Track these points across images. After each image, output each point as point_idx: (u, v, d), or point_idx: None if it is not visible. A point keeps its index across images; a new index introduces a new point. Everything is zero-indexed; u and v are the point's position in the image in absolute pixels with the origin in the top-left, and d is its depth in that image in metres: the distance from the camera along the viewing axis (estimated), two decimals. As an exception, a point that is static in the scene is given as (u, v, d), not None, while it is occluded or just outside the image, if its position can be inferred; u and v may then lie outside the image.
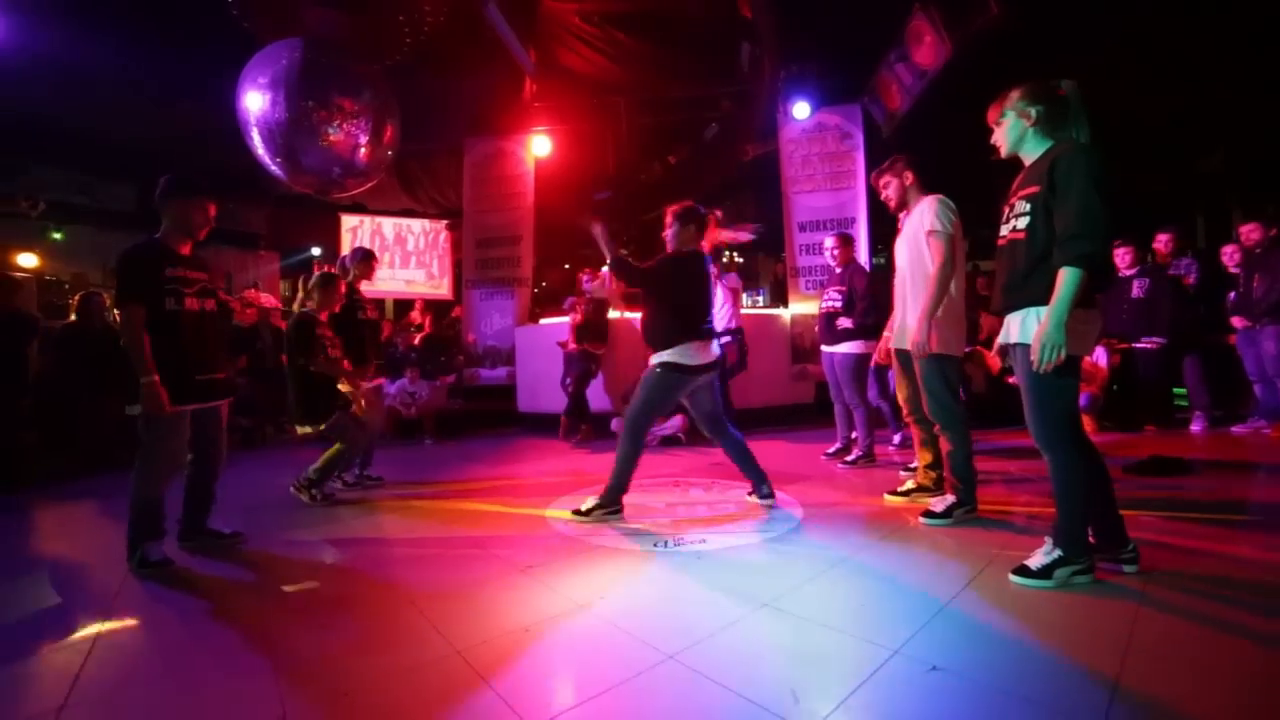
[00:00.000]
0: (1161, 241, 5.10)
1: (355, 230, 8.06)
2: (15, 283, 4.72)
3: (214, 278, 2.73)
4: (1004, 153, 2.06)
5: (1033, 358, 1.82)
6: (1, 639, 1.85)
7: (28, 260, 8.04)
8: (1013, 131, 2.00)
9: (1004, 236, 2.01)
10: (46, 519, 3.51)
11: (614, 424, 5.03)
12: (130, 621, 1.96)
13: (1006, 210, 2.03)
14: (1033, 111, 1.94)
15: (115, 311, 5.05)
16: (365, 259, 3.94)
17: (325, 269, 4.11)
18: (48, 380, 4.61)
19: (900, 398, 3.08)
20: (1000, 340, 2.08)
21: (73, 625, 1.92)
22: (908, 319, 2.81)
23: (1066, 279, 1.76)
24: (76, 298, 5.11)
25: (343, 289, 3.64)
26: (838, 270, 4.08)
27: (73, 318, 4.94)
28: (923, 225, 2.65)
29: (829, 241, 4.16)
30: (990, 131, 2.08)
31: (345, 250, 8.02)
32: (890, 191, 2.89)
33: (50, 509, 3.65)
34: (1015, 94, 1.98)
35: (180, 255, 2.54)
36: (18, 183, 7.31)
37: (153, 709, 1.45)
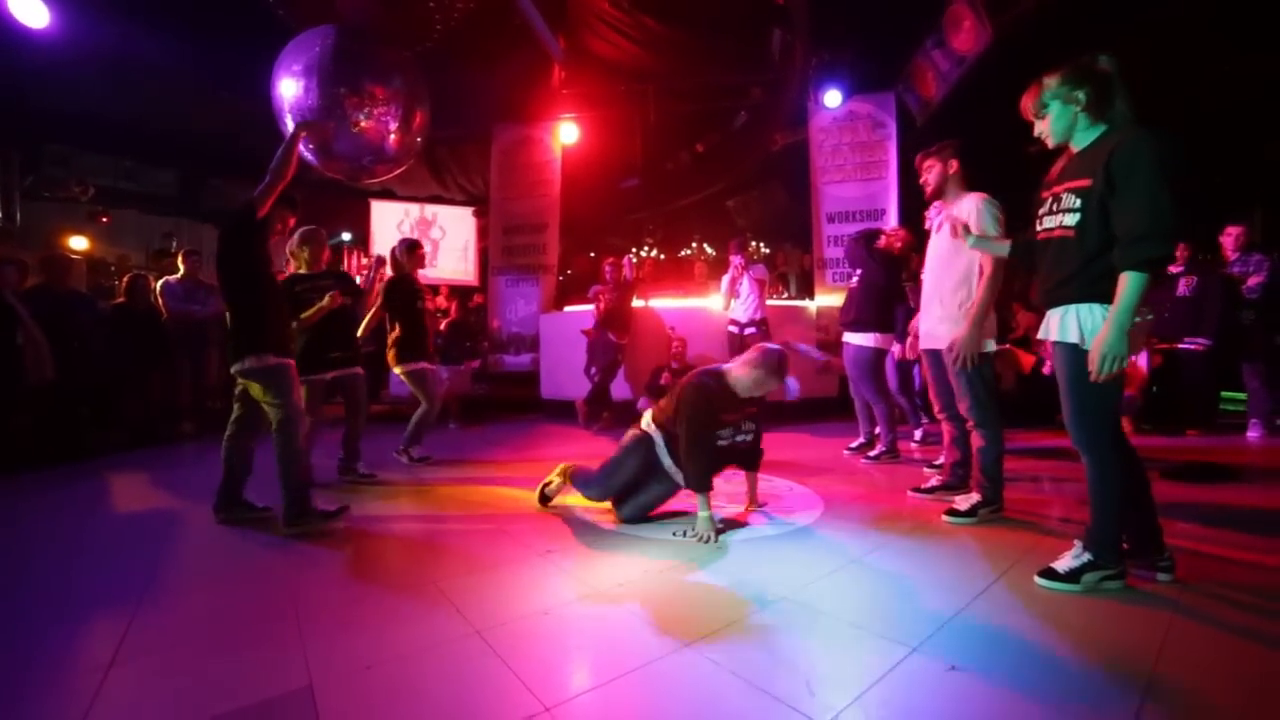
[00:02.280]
0: (1230, 236, 4.71)
1: (400, 224, 8.21)
2: (70, 262, 4.92)
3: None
4: (1053, 143, 1.90)
5: (1091, 367, 1.70)
6: (63, 597, 1.96)
7: (79, 243, 8.40)
8: (1061, 119, 1.83)
9: (1049, 230, 1.87)
10: (103, 490, 3.69)
11: (641, 403, 5.07)
12: (171, 588, 2.05)
13: (1049, 200, 1.89)
14: (1081, 95, 1.78)
15: (158, 291, 5.27)
16: (412, 249, 4.01)
17: (358, 253, 4.23)
18: (98, 358, 4.82)
19: (932, 394, 3.01)
20: (1041, 335, 1.99)
21: (122, 586, 2.02)
22: (937, 318, 2.74)
23: (1131, 284, 1.63)
24: (125, 279, 5.31)
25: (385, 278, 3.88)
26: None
27: (121, 298, 5.15)
28: (971, 226, 2.52)
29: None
30: (1026, 124, 1.95)
31: (374, 235, 8.23)
32: (931, 176, 2.76)
33: (104, 481, 3.83)
34: (1054, 80, 1.82)
35: None
36: (71, 168, 7.61)
37: (191, 669, 1.52)
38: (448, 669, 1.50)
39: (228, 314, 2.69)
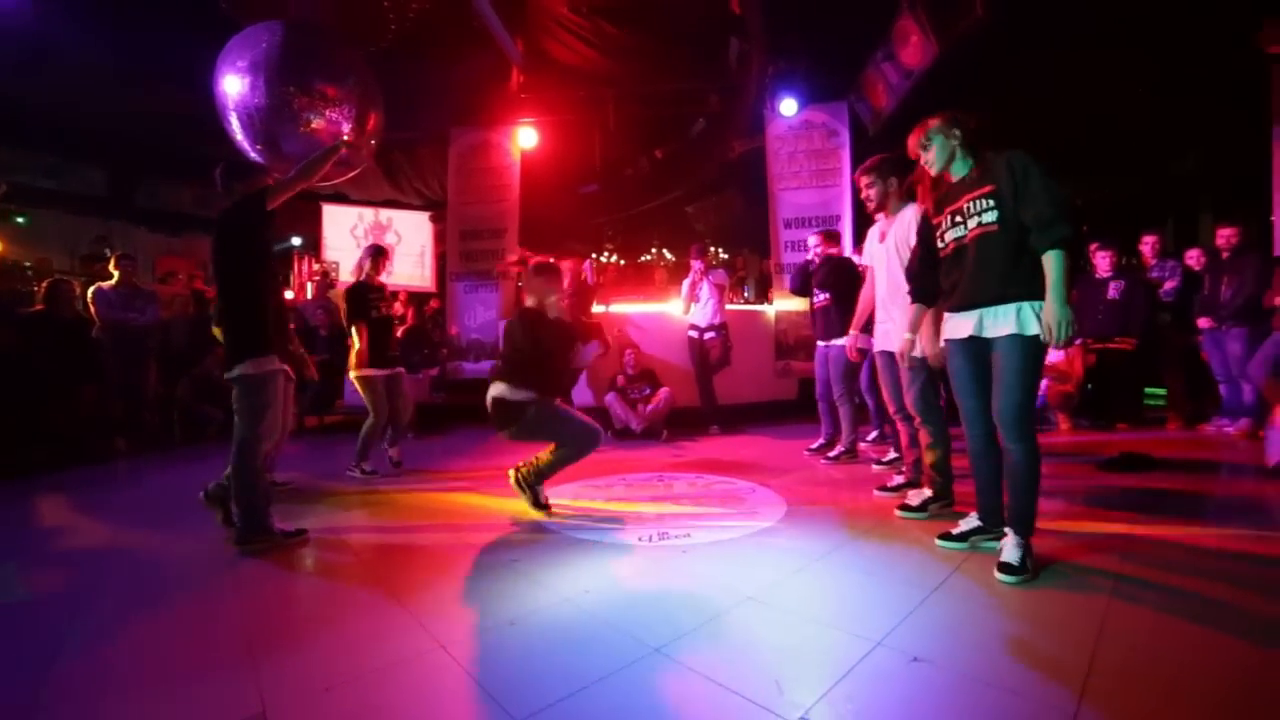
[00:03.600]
0: (1147, 244, 5.19)
1: (354, 228, 8.00)
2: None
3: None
4: (934, 171, 2.23)
5: (1049, 338, 1.89)
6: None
7: (-10, 245, 7.75)
8: (943, 152, 2.18)
9: (960, 238, 2.09)
10: (38, 510, 3.40)
11: (609, 398, 5.06)
12: (106, 614, 1.91)
13: (948, 217, 2.14)
14: (957, 133, 2.14)
15: (90, 298, 4.94)
16: (376, 255, 4.00)
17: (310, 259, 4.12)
18: (12, 369, 4.46)
19: (885, 395, 3.12)
20: (960, 335, 2.12)
21: (52, 614, 1.87)
22: (892, 324, 2.84)
23: (1056, 262, 1.88)
24: (44, 284, 4.94)
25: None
26: (813, 266, 4.14)
27: (40, 305, 4.79)
28: (908, 239, 2.63)
29: (813, 240, 4.20)
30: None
31: (325, 239, 7.94)
32: (872, 193, 2.91)
33: (35, 500, 3.54)
34: (935, 122, 2.17)
35: None
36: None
37: (130, 702, 1.42)
38: (412, 687, 1.45)
39: (224, 313, 2.51)
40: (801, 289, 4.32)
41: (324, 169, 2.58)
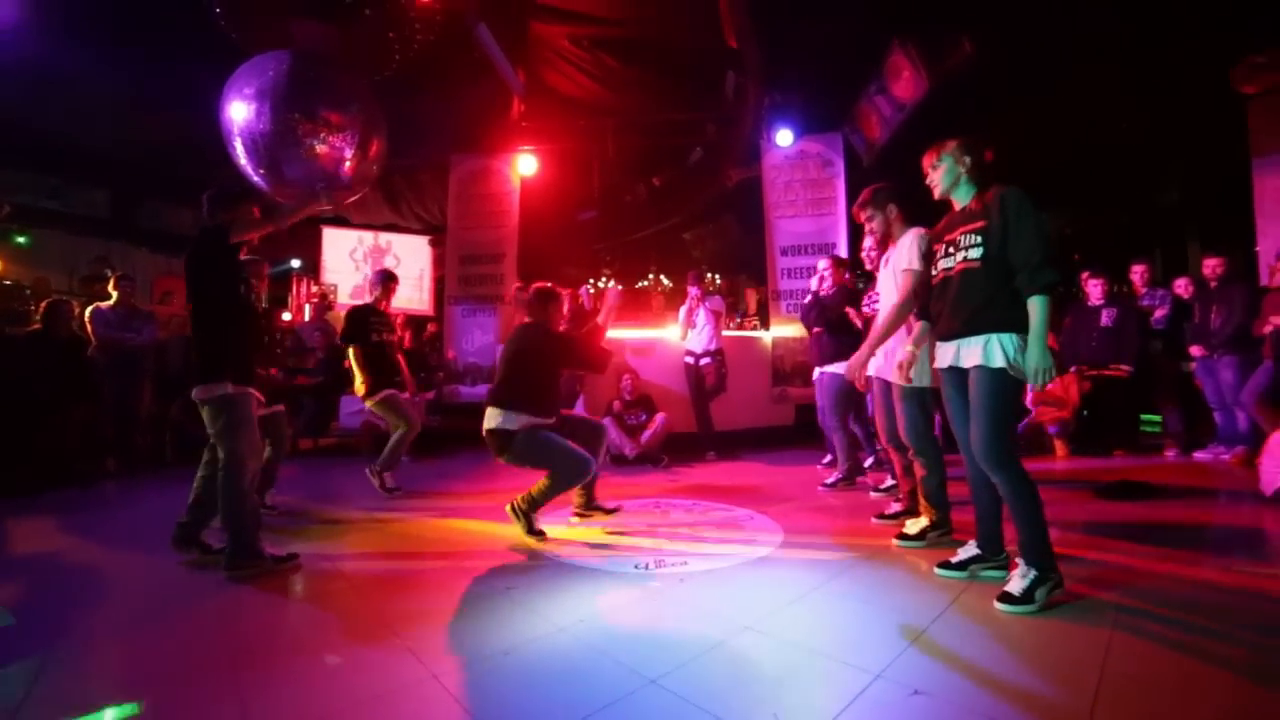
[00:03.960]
0: (1137, 273, 5.28)
1: (353, 251, 8.07)
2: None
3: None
4: (938, 194, 2.25)
5: (1030, 381, 1.93)
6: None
7: (-11, 265, 7.76)
8: (949, 176, 2.19)
9: (948, 269, 2.15)
10: (24, 531, 3.35)
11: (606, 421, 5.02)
12: (90, 641, 1.87)
13: (943, 248, 2.19)
14: (968, 159, 2.15)
15: (87, 318, 4.94)
16: (385, 281, 4.11)
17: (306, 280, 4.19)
18: (7, 389, 4.43)
19: (878, 425, 3.12)
20: (943, 364, 2.18)
21: (31, 641, 1.83)
22: (889, 351, 2.85)
23: (1039, 307, 1.91)
24: (43, 305, 4.94)
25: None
26: (824, 293, 4.12)
27: (37, 325, 4.77)
28: (899, 264, 2.64)
29: (823, 264, 4.22)
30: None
31: (325, 262, 7.99)
32: (875, 226, 2.84)
33: (22, 521, 3.48)
34: (953, 144, 2.17)
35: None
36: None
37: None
38: (404, 718, 1.41)
39: (191, 337, 2.57)
40: (819, 319, 4.12)
41: (297, 218, 2.67)
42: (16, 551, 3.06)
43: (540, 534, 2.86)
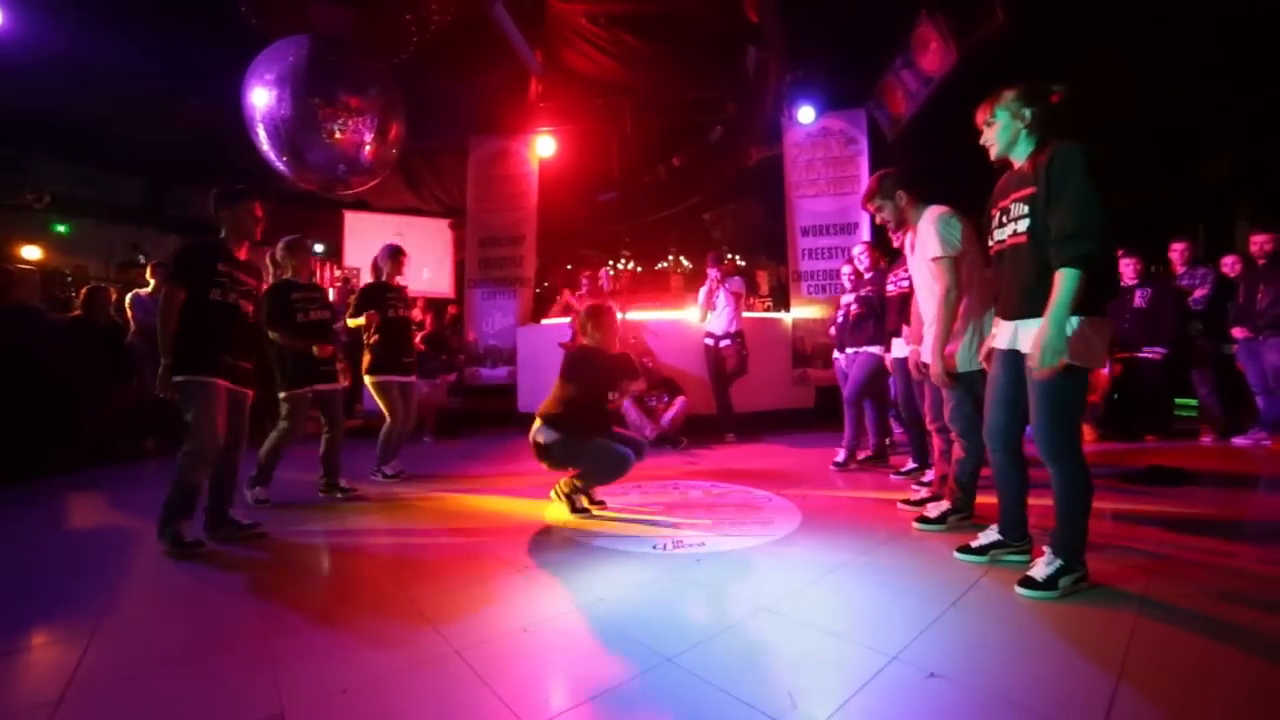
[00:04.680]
0: (1176, 251, 5.01)
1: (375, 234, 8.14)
2: (14, 275, 4.73)
3: (259, 286, 2.86)
4: (994, 155, 2.01)
5: (1030, 364, 1.80)
6: (9, 627, 1.86)
7: (31, 253, 8.07)
8: (1005, 133, 1.94)
9: (1001, 241, 1.98)
10: (59, 510, 3.52)
11: (625, 405, 5.05)
12: (132, 612, 1.97)
13: (997, 215, 2.00)
14: (1027, 113, 1.89)
15: (128, 304, 5.10)
16: (394, 255, 3.96)
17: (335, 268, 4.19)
18: (51, 373, 4.62)
19: (924, 407, 3.05)
20: (1000, 345, 2.05)
21: (80, 611, 1.93)
22: (927, 337, 2.78)
23: (1064, 281, 1.70)
24: (83, 291, 5.13)
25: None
26: (867, 275, 4.05)
27: (78, 311, 4.96)
28: (926, 252, 2.53)
29: (858, 249, 4.15)
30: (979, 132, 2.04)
31: (347, 247, 8.09)
32: (886, 214, 2.74)
33: (60, 500, 3.66)
34: (1009, 94, 1.92)
35: (234, 257, 2.69)
36: (26, 175, 7.33)
37: (151, 700, 1.46)
38: (426, 691, 1.46)
39: None
40: (870, 313, 3.97)
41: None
42: (64, 527, 3.21)
43: (584, 511, 2.97)
